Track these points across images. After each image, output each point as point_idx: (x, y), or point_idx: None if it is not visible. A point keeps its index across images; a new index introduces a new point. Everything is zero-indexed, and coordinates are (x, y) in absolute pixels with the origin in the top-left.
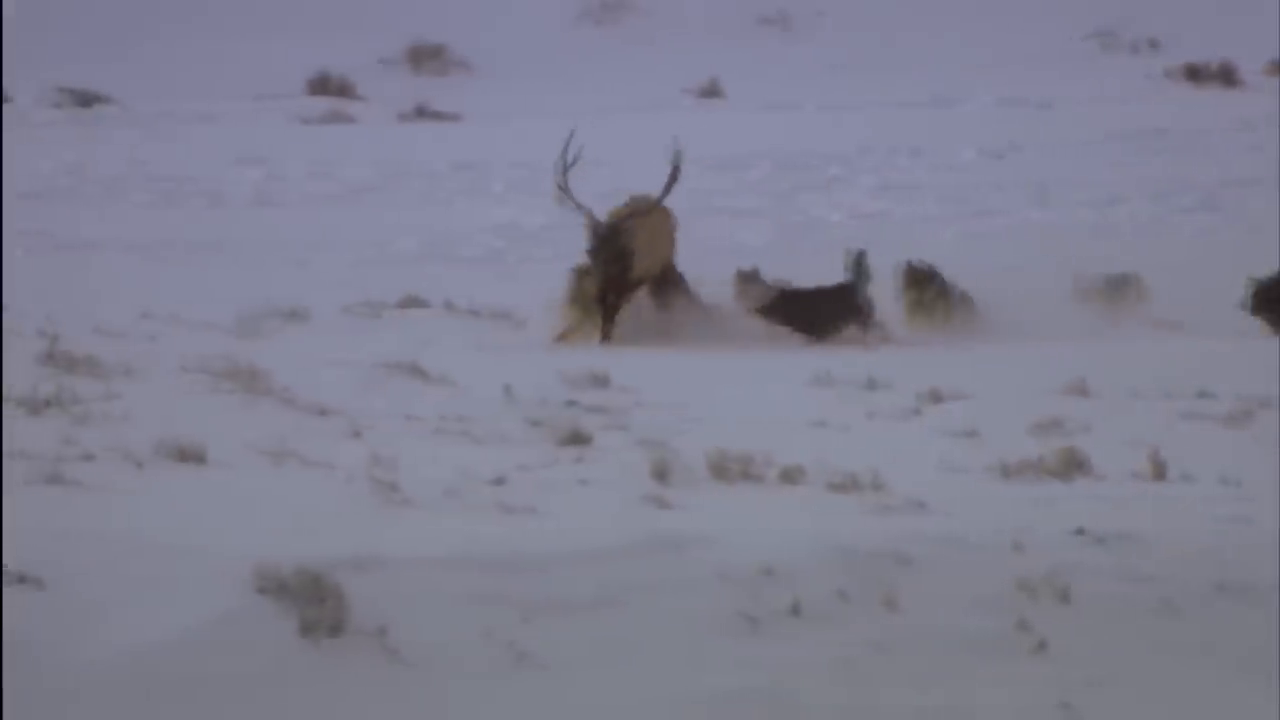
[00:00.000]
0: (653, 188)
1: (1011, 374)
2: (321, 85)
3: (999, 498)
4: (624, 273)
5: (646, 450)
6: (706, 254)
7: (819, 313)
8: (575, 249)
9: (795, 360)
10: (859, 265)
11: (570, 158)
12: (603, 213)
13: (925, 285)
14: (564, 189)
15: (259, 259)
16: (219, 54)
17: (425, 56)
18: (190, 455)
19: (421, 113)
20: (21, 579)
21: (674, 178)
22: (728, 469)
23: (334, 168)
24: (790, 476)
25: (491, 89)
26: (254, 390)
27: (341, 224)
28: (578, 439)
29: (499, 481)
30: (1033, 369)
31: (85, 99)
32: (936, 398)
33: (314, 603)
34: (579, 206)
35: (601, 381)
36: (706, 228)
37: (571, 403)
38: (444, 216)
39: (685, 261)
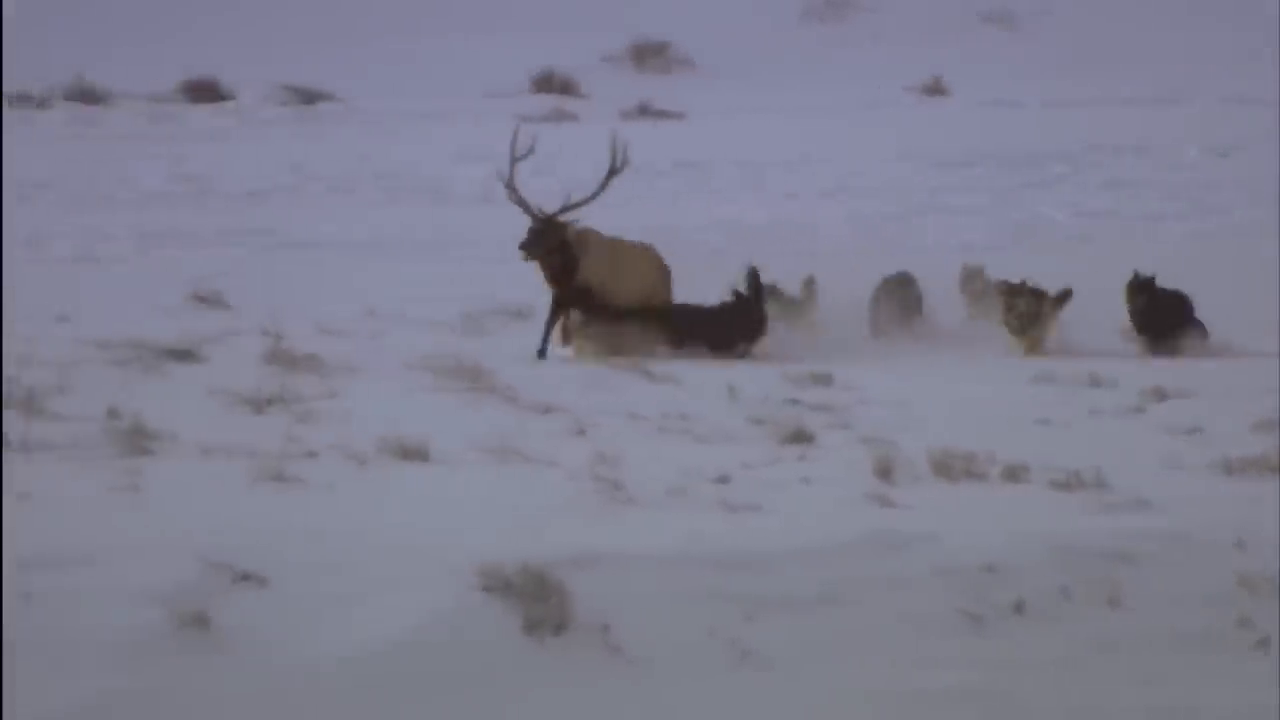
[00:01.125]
0: (873, 183)
1: (1234, 372)
2: (546, 83)
3: (1221, 495)
4: (566, 273)
5: (869, 448)
6: (928, 251)
7: (717, 329)
8: (800, 245)
9: (1016, 360)
10: (753, 281)
11: (519, 153)
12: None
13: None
14: (510, 186)
15: (483, 256)
16: (444, 52)
17: (649, 54)
18: (413, 453)
19: (644, 110)
20: (244, 577)
21: (610, 175)
22: (951, 466)
23: (557, 165)
24: (1013, 474)
25: (714, 86)
26: (477, 388)
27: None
28: (801, 437)
29: (722, 479)
30: (1256, 367)
31: (309, 96)
32: (1160, 396)
33: (538, 601)
34: (525, 204)
35: (824, 380)
36: (929, 225)
37: (793, 401)
38: (666, 214)
39: (908, 258)
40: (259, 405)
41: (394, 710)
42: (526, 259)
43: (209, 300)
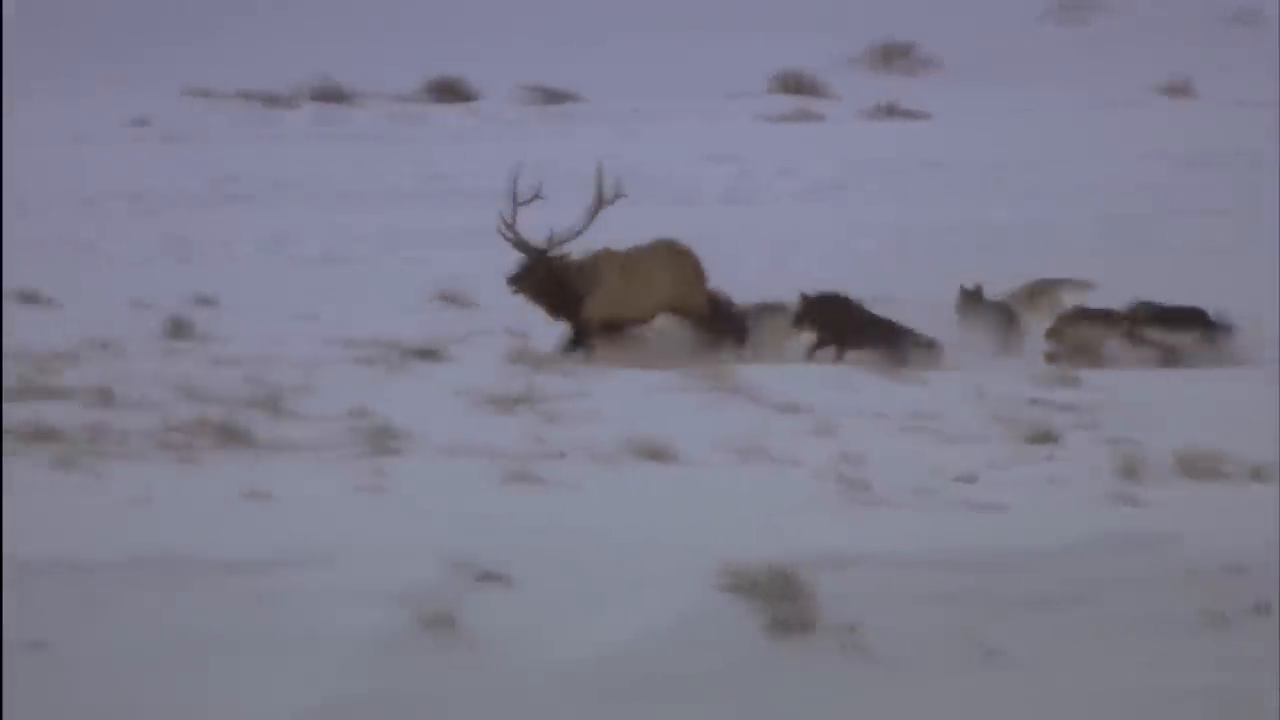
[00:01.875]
0: (1119, 184)
1: None
2: (789, 83)
3: None
4: (566, 306)
5: (1114, 448)
6: (1174, 254)
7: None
8: (1048, 246)
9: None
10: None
11: (521, 195)
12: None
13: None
14: (509, 227)
15: (730, 255)
16: (688, 52)
17: (893, 55)
18: (658, 453)
19: (889, 111)
20: (489, 577)
21: (599, 207)
22: (1196, 466)
23: (802, 165)
24: (1260, 474)
25: (959, 87)
26: (722, 388)
27: (810, 221)
28: (1046, 437)
29: (967, 479)
30: None
31: (553, 96)
32: None
33: (783, 600)
34: (522, 244)
35: (1071, 381)
36: (1176, 228)
37: (1037, 401)
38: (911, 214)
39: (1147, 262)
40: (504, 405)
41: (638, 710)
42: (515, 293)
43: (455, 300)
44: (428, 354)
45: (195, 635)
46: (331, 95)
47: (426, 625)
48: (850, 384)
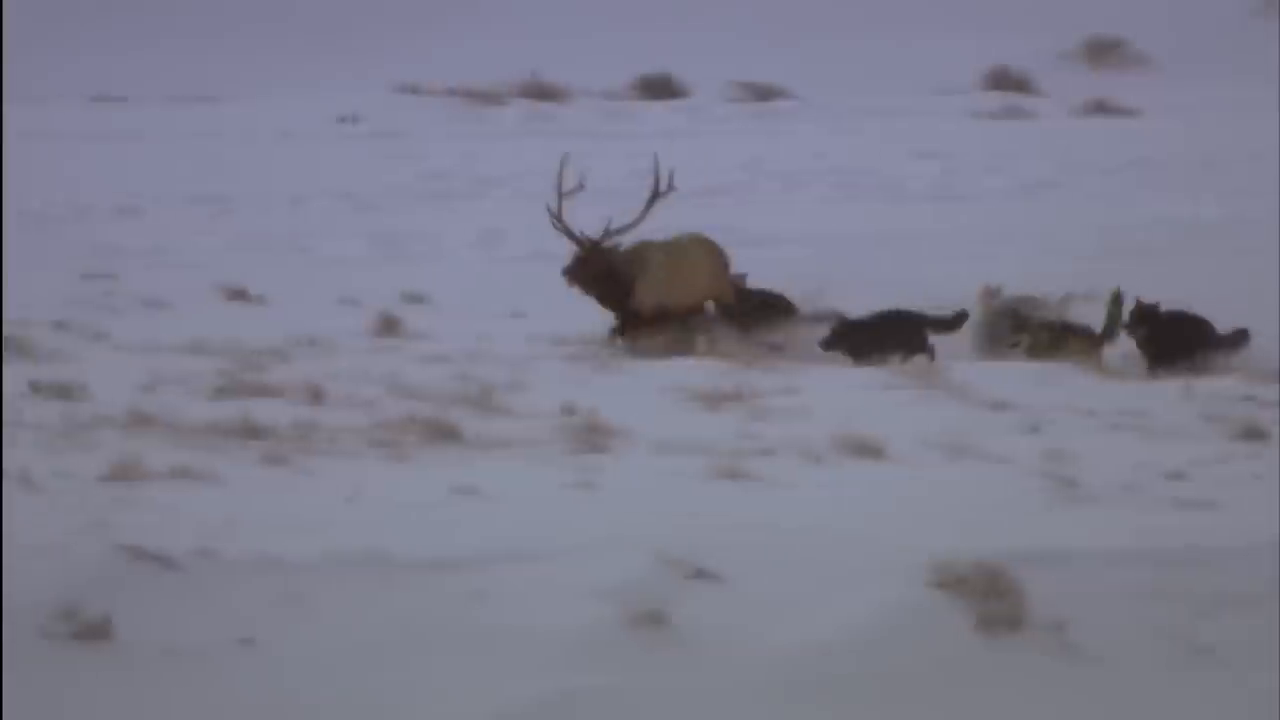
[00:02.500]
0: None
1: None
2: (998, 79)
3: None
4: (617, 298)
5: None
6: None
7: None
8: (1258, 244)
9: None
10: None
11: (567, 186)
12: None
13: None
14: (557, 218)
15: (936, 252)
16: (897, 49)
17: (1103, 51)
18: (868, 449)
19: (1099, 107)
20: (700, 574)
21: (654, 198)
22: None
23: (1011, 162)
24: None
25: (1168, 83)
26: (930, 385)
27: (1018, 218)
28: (1254, 434)
29: (1176, 476)
30: None
31: (763, 93)
32: None
33: (992, 598)
34: (571, 234)
35: None
36: None
37: (1249, 398)
38: (1119, 211)
39: None
40: (713, 401)
41: (846, 707)
42: (569, 285)
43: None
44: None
45: (403, 632)
46: (541, 92)
47: (636, 622)
48: (1059, 381)
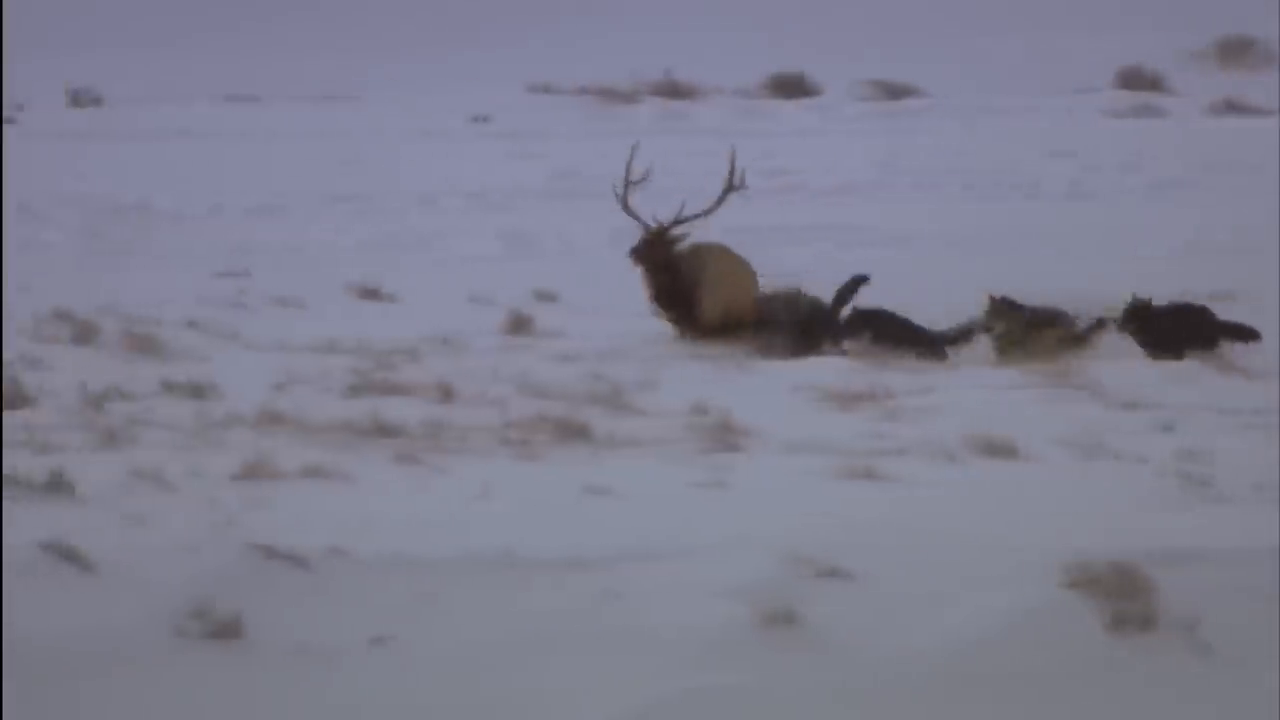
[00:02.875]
0: None
1: None
2: (1131, 79)
3: None
4: (670, 294)
5: None
6: None
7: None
8: None
9: None
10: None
11: (634, 175)
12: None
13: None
14: (625, 205)
15: (1071, 250)
16: (1030, 48)
17: (1235, 50)
18: (1000, 449)
19: (1230, 106)
20: (831, 573)
21: (726, 192)
22: None
23: (1144, 161)
24: None
25: None
26: (1063, 384)
27: (1152, 217)
28: None
29: None
30: None
31: (895, 91)
32: None
33: (1124, 597)
34: (639, 219)
35: None
36: None
37: None
38: (1252, 210)
39: None
40: (845, 401)
41: (978, 707)
42: (635, 264)
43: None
44: None
45: (535, 631)
46: (674, 91)
47: (767, 622)
48: (1193, 379)
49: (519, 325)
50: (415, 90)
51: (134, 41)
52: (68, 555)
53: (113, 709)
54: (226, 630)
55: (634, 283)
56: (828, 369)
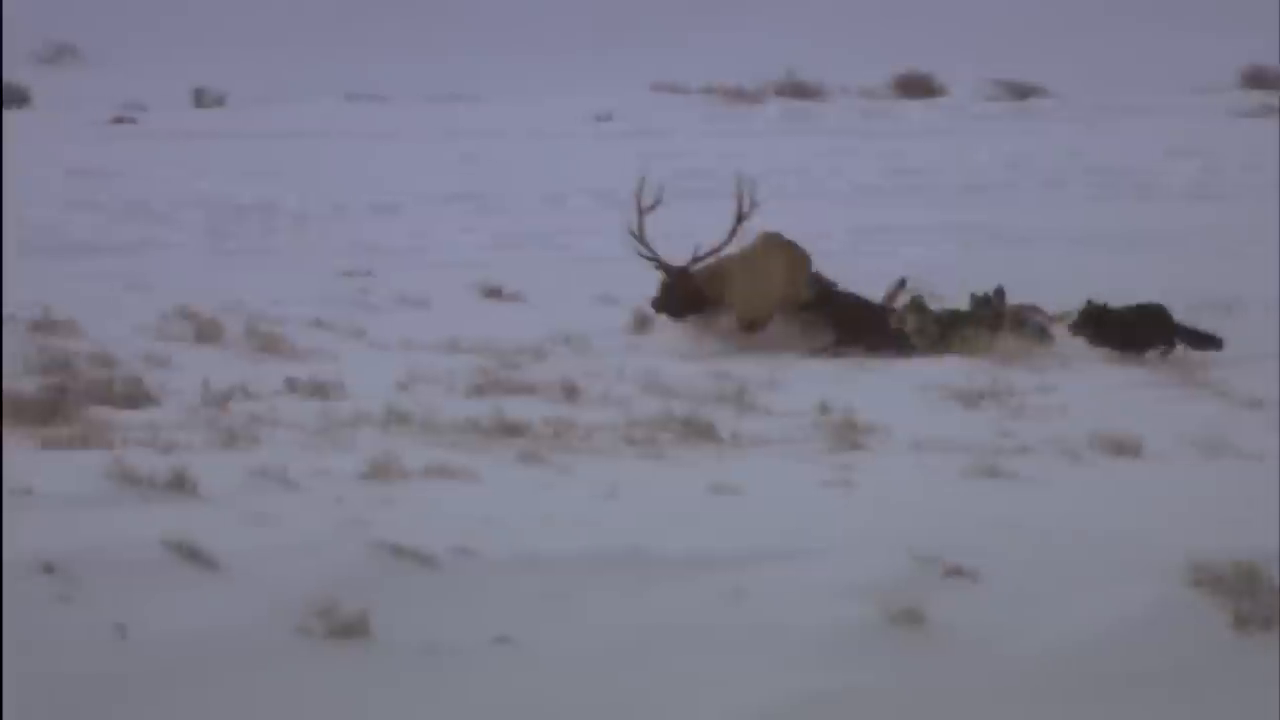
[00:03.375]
0: None
1: None
2: (1256, 78)
3: None
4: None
5: None
6: None
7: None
8: None
9: None
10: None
11: (646, 202)
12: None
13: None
14: (639, 239)
15: (1192, 251)
16: (1154, 48)
17: None
18: (1125, 447)
19: None
20: (956, 572)
21: (739, 221)
22: None
23: (1268, 161)
24: None
25: None
26: (1188, 382)
27: (1276, 217)
28: None
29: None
30: None
31: (1021, 91)
32: None
33: (1248, 596)
34: (656, 258)
35: None
36: None
37: None
38: None
39: None
40: (970, 399)
41: (1104, 706)
42: (669, 318)
43: (922, 293)
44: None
45: (662, 631)
46: (798, 91)
47: (894, 620)
48: None
49: (644, 324)
50: (538, 89)
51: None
52: (191, 554)
53: (236, 708)
54: (352, 629)
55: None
56: (952, 367)
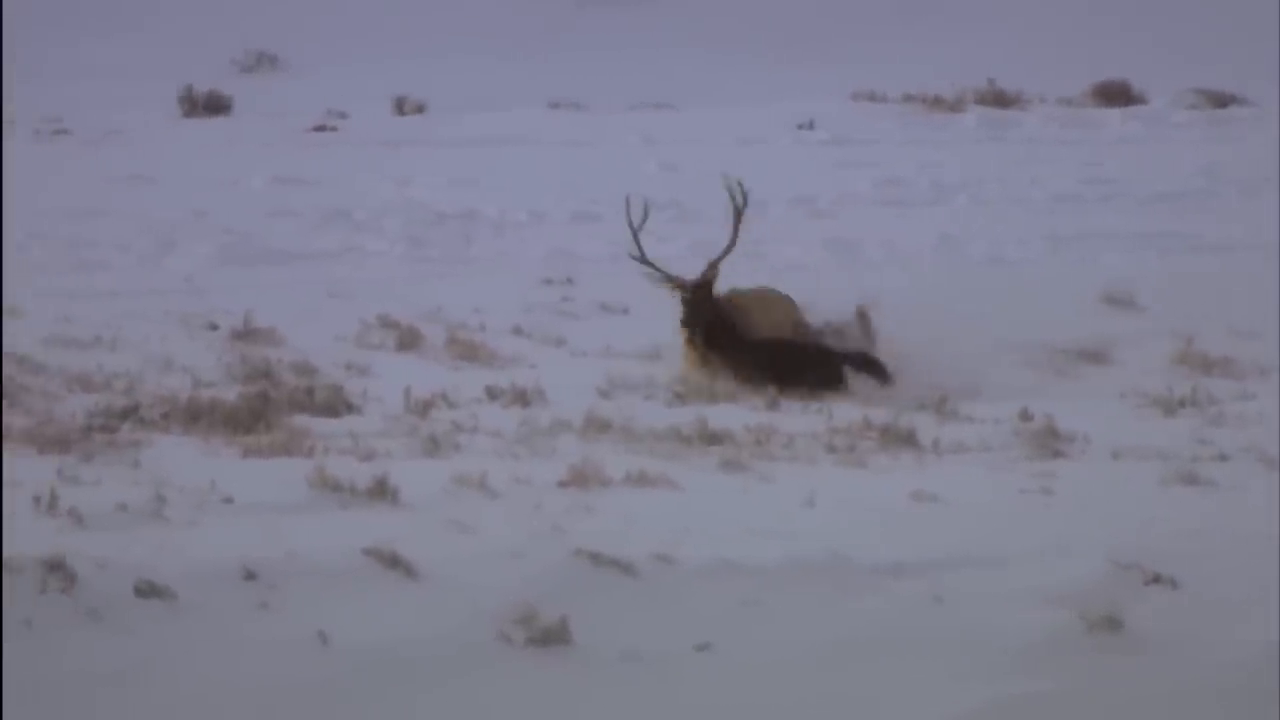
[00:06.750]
0: None
1: None
2: None
3: None
4: (722, 342)
5: None
6: None
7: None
8: None
9: None
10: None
11: (637, 220)
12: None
13: None
14: (643, 258)
15: None
16: None
17: None
18: None
19: None
20: (1156, 579)
21: (738, 219)
22: None
23: None
24: None
25: None
26: None
27: None
28: None
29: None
30: None
31: (1220, 100)
32: None
33: None
34: (664, 273)
35: None
36: None
37: None
38: None
39: None
40: (1170, 407)
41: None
42: (692, 336)
43: (1120, 302)
44: (1093, 356)
45: (862, 637)
46: (998, 99)
47: (1093, 627)
48: None
49: (839, 334)
50: (738, 97)
51: (458, 49)
52: (391, 562)
53: (437, 715)
54: (553, 636)
55: (959, 288)
56: (1152, 374)
